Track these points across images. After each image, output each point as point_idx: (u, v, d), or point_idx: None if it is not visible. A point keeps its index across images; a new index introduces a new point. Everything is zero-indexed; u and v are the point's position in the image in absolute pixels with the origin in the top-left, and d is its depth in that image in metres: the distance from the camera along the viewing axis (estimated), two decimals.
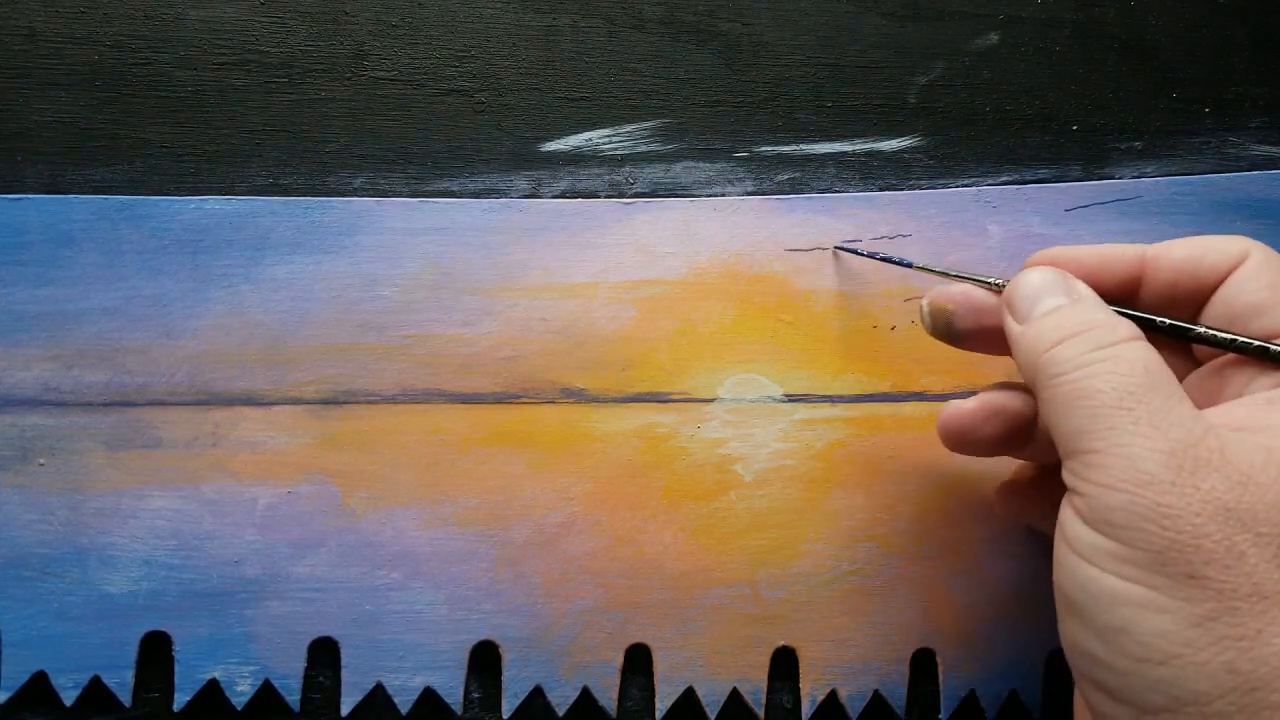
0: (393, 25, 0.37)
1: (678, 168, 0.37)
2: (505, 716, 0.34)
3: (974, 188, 0.37)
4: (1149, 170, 0.38)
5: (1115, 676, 0.25)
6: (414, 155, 0.36)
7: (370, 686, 0.34)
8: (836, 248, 0.36)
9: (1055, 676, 0.36)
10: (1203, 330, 0.28)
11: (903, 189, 0.37)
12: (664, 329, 0.36)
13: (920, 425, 0.36)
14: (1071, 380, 0.26)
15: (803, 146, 0.37)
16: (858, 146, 0.38)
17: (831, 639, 0.35)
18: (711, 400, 0.36)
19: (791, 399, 0.36)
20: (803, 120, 0.38)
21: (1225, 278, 0.28)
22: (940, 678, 0.35)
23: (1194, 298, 0.29)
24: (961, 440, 0.31)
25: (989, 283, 0.31)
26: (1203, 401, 0.28)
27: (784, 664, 0.35)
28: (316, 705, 0.34)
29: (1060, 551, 0.26)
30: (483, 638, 0.35)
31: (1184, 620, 0.23)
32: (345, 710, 0.34)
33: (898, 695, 0.35)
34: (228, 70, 0.36)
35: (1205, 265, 0.28)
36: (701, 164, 0.37)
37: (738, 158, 0.37)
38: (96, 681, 0.33)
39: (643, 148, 0.37)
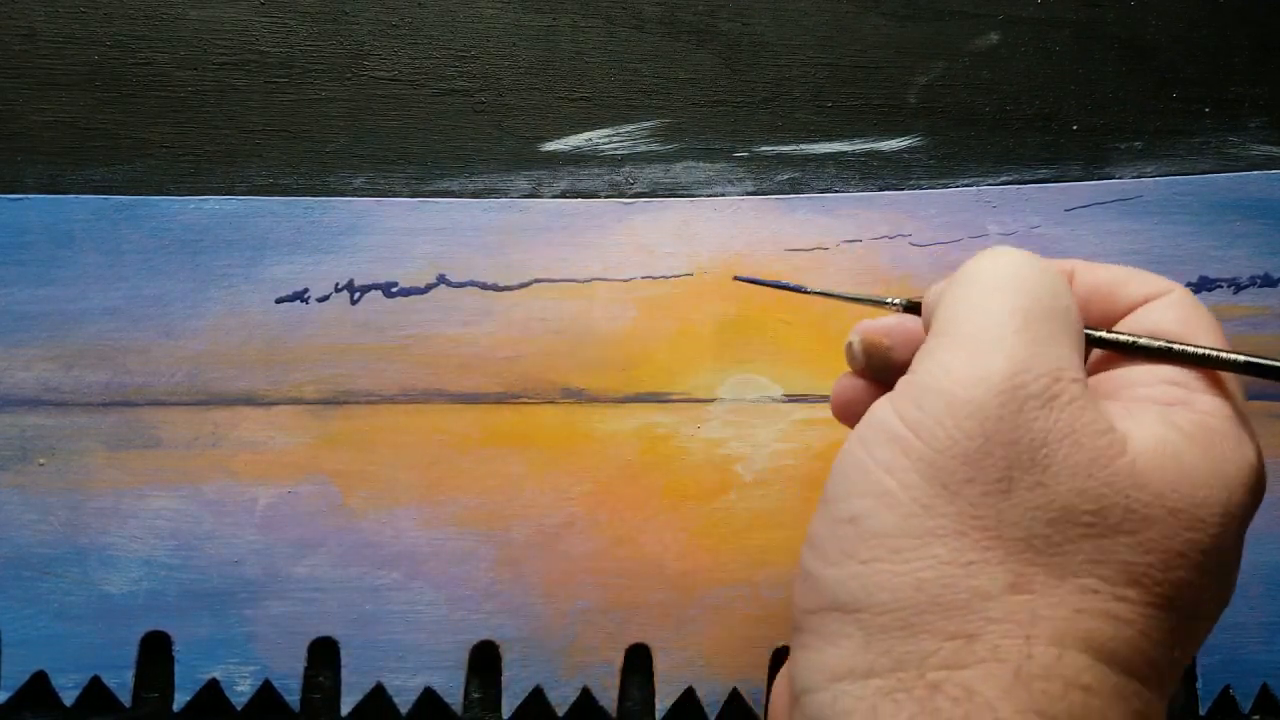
0: (393, 25, 0.37)
1: (678, 168, 0.37)
2: (505, 716, 0.34)
3: (974, 188, 0.37)
4: (1149, 170, 0.38)
5: (822, 565, 0.23)
6: (414, 155, 0.36)
7: (370, 686, 0.34)
8: (735, 278, 0.34)
9: None
10: (1104, 334, 0.27)
11: (903, 189, 0.37)
12: (664, 329, 0.36)
13: None
14: (986, 272, 0.25)
15: (803, 146, 0.37)
16: (858, 146, 0.38)
17: None
18: (711, 400, 0.36)
19: (791, 399, 0.36)
20: (803, 120, 0.38)
21: (1140, 305, 0.27)
22: None
23: (1102, 320, 0.28)
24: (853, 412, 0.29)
25: (887, 302, 0.29)
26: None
27: (784, 664, 0.35)
28: (316, 705, 0.34)
29: (849, 440, 0.24)
30: (483, 638, 0.35)
31: (910, 528, 0.22)
32: (345, 710, 0.34)
33: None
34: (228, 70, 0.36)
35: (1126, 290, 0.27)
36: (701, 164, 0.37)
37: (738, 158, 0.37)
38: (96, 681, 0.33)
39: (643, 148, 0.37)
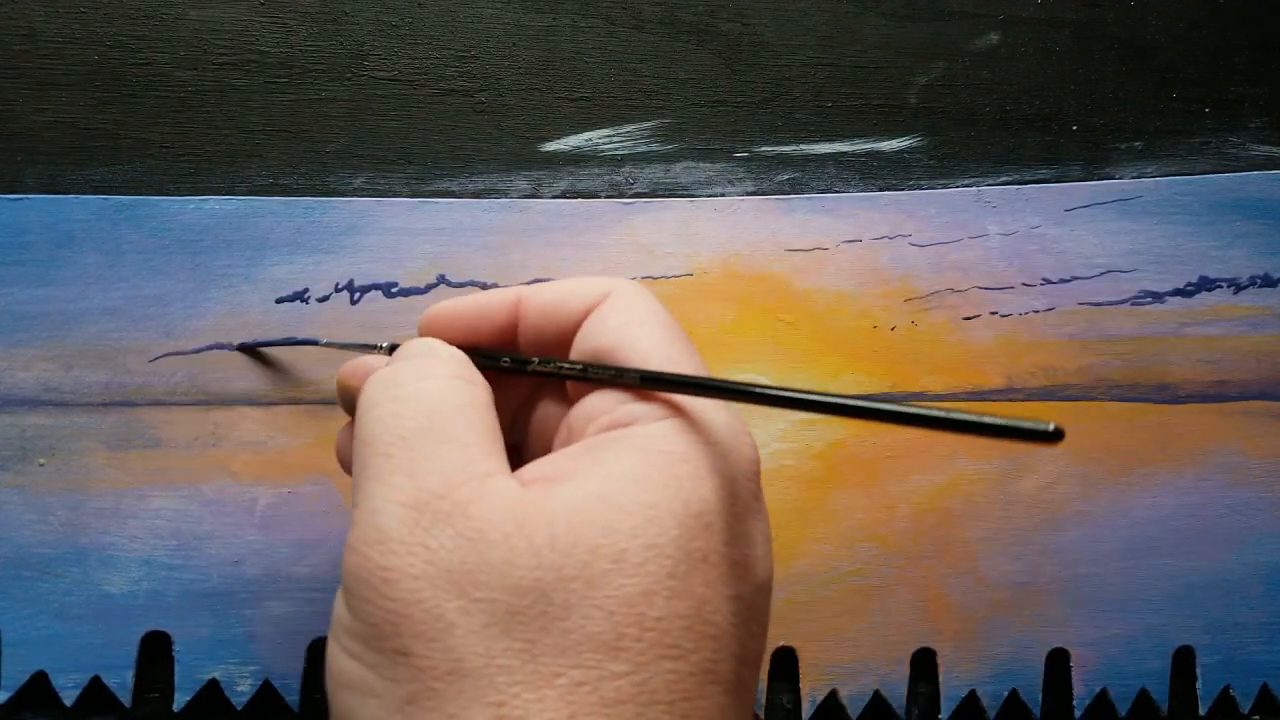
0: (393, 25, 0.37)
1: (678, 168, 0.37)
2: None
3: (974, 188, 0.37)
4: (1149, 170, 0.38)
5: None
6: (414, 155, 0.36)
7: None
8: (238, 346, 0.34)
9: (1055, 676, 0.36)
10: (535, 363, 0.27)
11: (903, 189, 0.37)
12: None
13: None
14: (360, 424, 0.24)
15: (803, 146, 0.37)
16: (858, 146, 0.38)
17: (831, 639, 0.35)
18: None
19: None
20: (803, 120, 0.38)
21: (583, 320, 0.26)
22: (940, 677, 0.35)
23: (559, 341, 0.27)
24: None
25: (377, 347, 0.29)
26: (564, 443, 0.26)
27: (784, 664, 0.35)
28: (316, 705, 0.34)
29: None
30: None
31: (389, 706, 0.21)
32: None
33: (898, 695, 0.35)
34: (228, 70, 0.36)
35: (566, 308, 0.27)
36: (701, 164, 0.37)
37: (738, 158, 0.37)
38: (96, 681, 0.33)
39: (643, 148, 0.37)
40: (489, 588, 0.21)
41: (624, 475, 0.22)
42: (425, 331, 0.29)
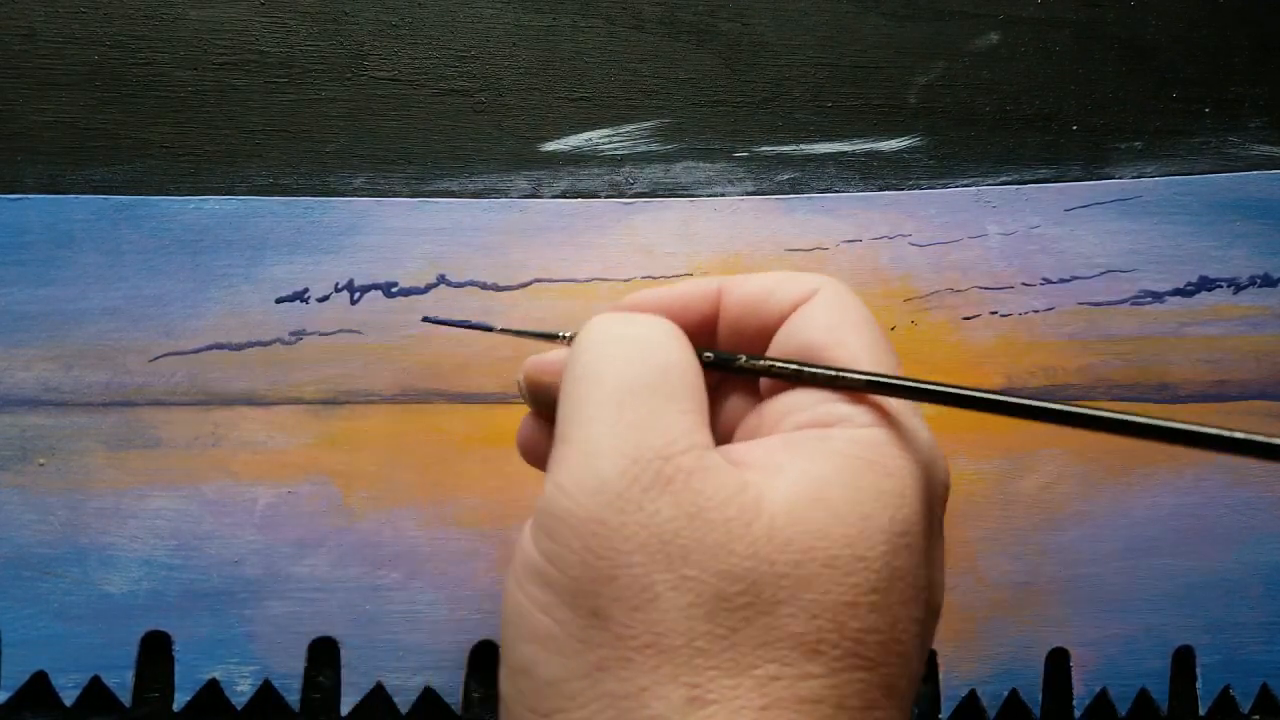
0: (393, 25, 0.37)
1: (678, 168, 0.37)
2: None
3: (974, 188, 0.37)
4: (1149, 170, 0.38)
5: None
6: (414, 155, 0.36)
7: (370, 686, 0.34)
8: (425, 319, 0.33)
9: (1055, 676, 0.36)
10: (743, 360, 0.26)
11: (903, 189, 0.37)
12: None
13: None
14: (586, 360, 0.23)
15: (803, 146, 0.37)
16: (858, 146, 0.38)
17: None
18: None
19: None
20: (803, 120, 0.38)
21: (789, 315, 0.26)
22: (940, 677, 0.35)
23: (760, 334, 0.26)
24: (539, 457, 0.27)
25: (559, 336, 0.27)
26: (752, 435, 0.25)
27: None
28: (316, 705, 0.34)
29: (507, 580, 0.22)
30: (483, 638, 0.35)
31: (577, 669, 0.20)
32: (345, 710, 0.34)
33: None
34: (228, 70, 0.36)
35: (772, 302, 0.26)
36: (701, 164, 0.37)
37: (738, 158, 0.37)
38: (96, 681, 0.33)
39: (643, 148, 0.37)
40: (702, 568, 0.20)
41: (837, 481, 0.22)
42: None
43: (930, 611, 0.23)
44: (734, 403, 0.27)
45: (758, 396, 0.26)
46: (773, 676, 0.20)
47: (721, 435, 0.27)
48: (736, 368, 0.26)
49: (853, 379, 0.24)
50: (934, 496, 0.23)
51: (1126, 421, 0.22)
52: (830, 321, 0.25)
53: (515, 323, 0.36)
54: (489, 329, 0.31)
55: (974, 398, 0.23)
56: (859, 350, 0.24)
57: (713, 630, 0.20)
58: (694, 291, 0.27)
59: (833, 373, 0.24)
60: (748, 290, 0.26)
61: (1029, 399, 0.23)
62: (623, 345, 0.23)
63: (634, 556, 0.20)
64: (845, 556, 0.21)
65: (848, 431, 0.23)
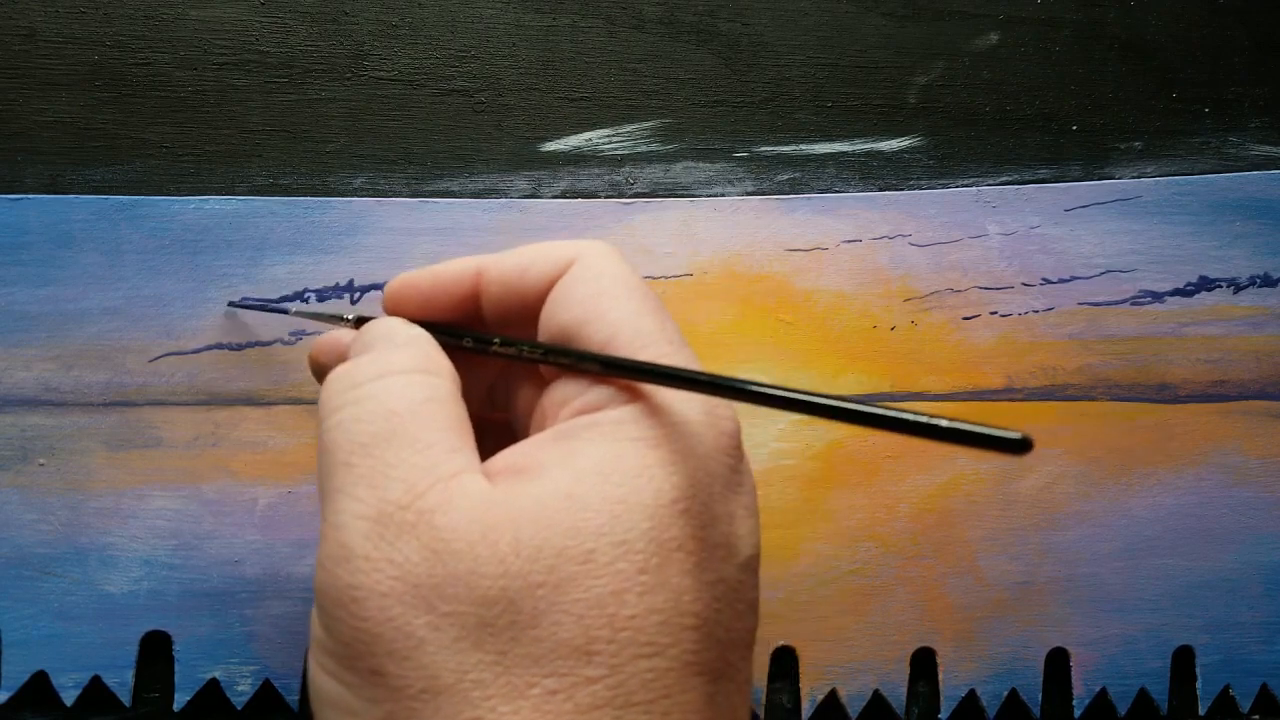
0: (393, 25, 0.37)
1: (678, 168, 0.37)
2: None
3: (974, 188, 0.37)
4: (1149, 170, 0.38)
5: None
6: (414, 155, 0.36)
7: None
8: (230, 303, 0.34)
9: (1055, 676, 0.36)
10: (498, 342, 0.25)
11: (903, 189, 0.37)
12: None
13: None
14: (321, 431, 0.23)
15: (803, 146, 0.37)
16: (858, 146, 0.38)
17: (831, 639, 0.35)
18: None
19: None
20: (803, 120, 0.38)
21: (551, 286, 0.25)
22: (940, 677, 0.35)
23: (525, 313, 0.25)
24: None
25: (343, 319, 0.28)
26: (540, 425, 0.25)
27: (784, 664, 0.35)
28: None
29: None
30: None
31: None
32: None
33: (897, 695, 0.35)
34: (228, 70, 0.36)
35: (529, 278, 0.25)
36: (701, 164, 0.37)
37: (738, 158, 0.37)
38: (96, 681, 0.33)
39: (643, 148, 0.37)
40: (456, 600, 0.20)
41: (592, 469, 0.21)
42: (389, 306, 0.27)
43: (739, 566, 0.22)
44: (526, 386, 0.26)
45: (545, 383, 0.25)
46: (551, 691, 0.20)
47: (524, 423, 0.26)
48: (492, 352, 0.25)
49: (590, 362, 0.23)
50: (714, 449, 0.22)
51: (851, 410, 0.20)
52: (586, 293, 0.24)
53: None
54: (285, 312, 0.33)
55: (702, 381, 0.22)
56: (619, 323, 0.23)
57: (483, 659, 0.20)
58: (449, 273, 0.26)
59: (575, 355, 0.23)
60: (504, 268, 0.25)
61: (758, 384, 0.21)
62: (349, 404, 0.23)
63: (392, 609, 0.20)
64: (603, 546, 0.20)
65: (612, 412, 0.22)
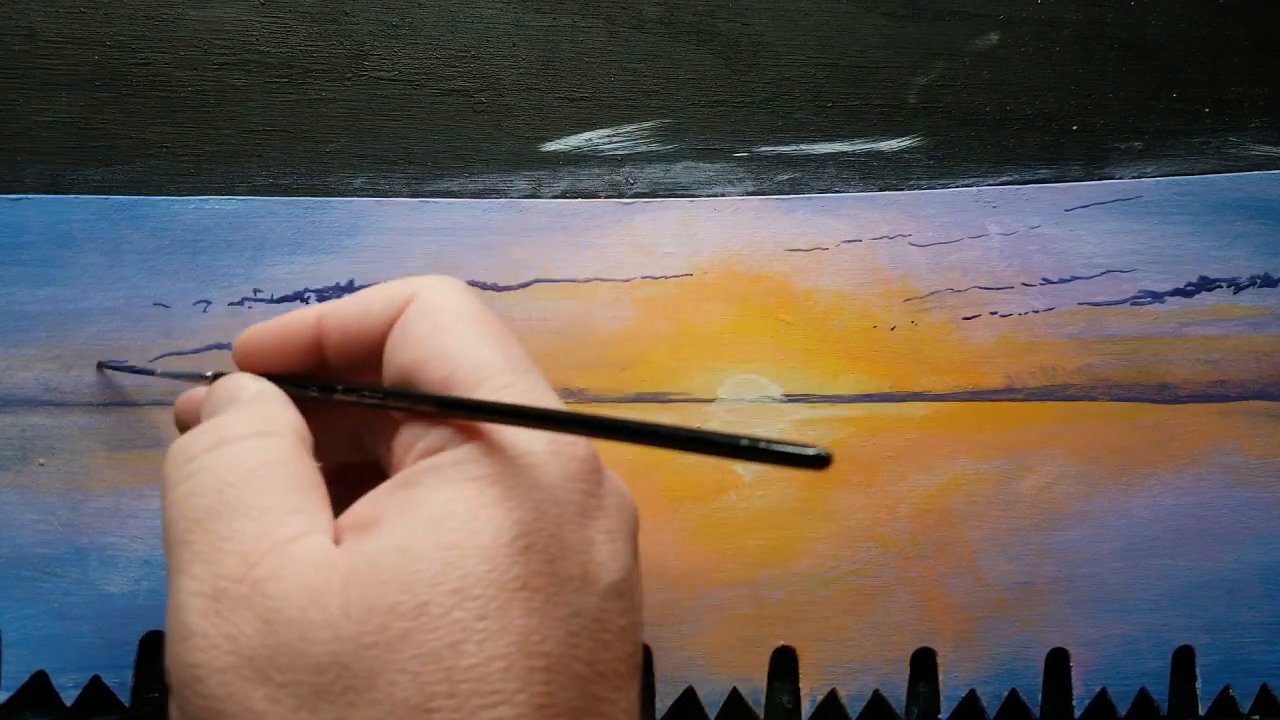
0: (393, 25, 0.37)
1: (678, 168, 0.37)
2: None
3: (974, 188, 0.37)
4: (1149, 170, 0.38)
5: None
6: (414, 155, 0.36)
7: None
8: (99, 364, 0.34)
9: (1055, 676, 0.36)
10: (340, 390, 0.24)
11: (903, 189, 0.37)
12: (663, 329, 0.36)
13: (920, 425, 0.36)
14: (163, 508, 0.23)
15: (803, 146, 0.37)
16: (858, 146, 0.38)
17: (831, 639, 0.35)
18: (711, 400, 0.36)
19: (791, 399, 0.36)
20: (803, 120, 0.38)
21: (389, 331, 0.24)
22: (940, 677, 0.35)
23: (371, 360, 0.25)
24: None
25: (202, 376, 0.28)
26: (395, 469, 0.24)
27: (784, 664, 0.35)
28: None
29: None
30: None
31: None
32: None
33: (897, 695, 0.35)
34: (228, 70, 0.36)
35: (369, 321, 0.24)
36: (701, 164, 0.37)
37: (738, 158, 0.37)
38: (96, 681, 0.33)
39: (643, 148, 0.37)
40: (290, 670, 0.19)
41: (427, 517, 0.21)
42: (238, 359, 0.27)
43: (601, 594, 0.21)
44: (387, 435, 0.25)
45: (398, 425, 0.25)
46: None
47: (387, 469, 0.25)
48: (336, 400, 0.24)
49: (425, 405, 0.22)
50: (560, 477, 0.22)
51: (658, 433, 0.20)
52: (422, 332, 0.23)
53: (517, 323, 0.36)
54: (152, 373, 0.33)
55: (530, 415, 0.21)
56: (457, 358, 0.23)
57: None
58: (295, 323, 0.26)
59: (411, 398, 0.22)
60: (344, 314, 0.25)
61: (575, 415, 0.21)
62: (184, 479, 0.23)
63: (232, 684, 0.20)
64: (437, 597, 0.20)
65: (450, 454, 0.22)
